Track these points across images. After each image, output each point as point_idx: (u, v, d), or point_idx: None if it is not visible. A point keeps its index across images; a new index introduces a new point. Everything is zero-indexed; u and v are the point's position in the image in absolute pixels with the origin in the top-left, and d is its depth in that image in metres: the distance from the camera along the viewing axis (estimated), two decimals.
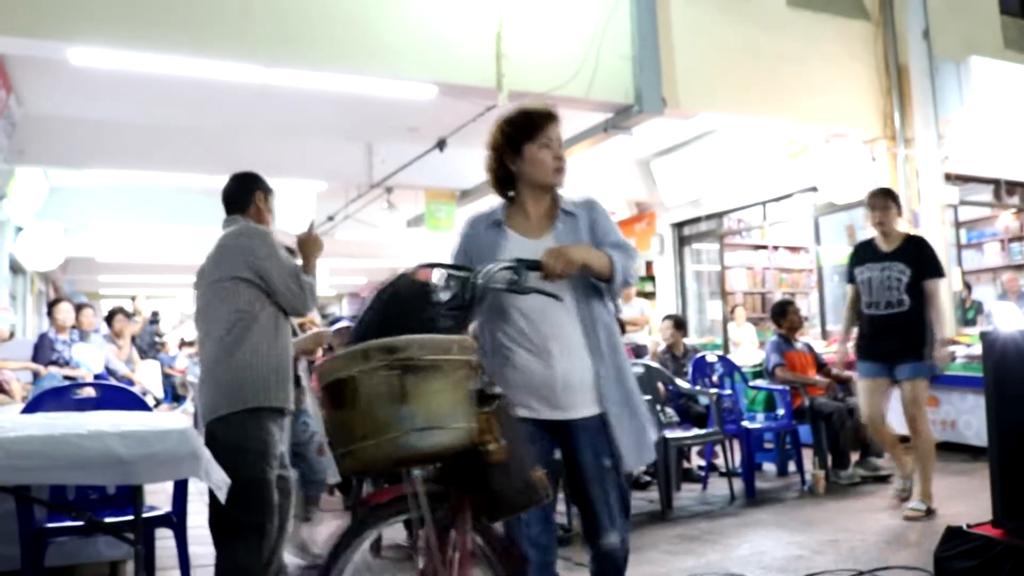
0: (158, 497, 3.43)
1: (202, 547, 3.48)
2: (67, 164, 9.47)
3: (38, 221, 10.87)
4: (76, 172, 10.51)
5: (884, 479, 5.70)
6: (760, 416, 6.31)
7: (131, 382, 8.42)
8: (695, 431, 5.64)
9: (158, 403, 9.32)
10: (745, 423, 5.85)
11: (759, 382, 6.68)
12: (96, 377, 7.41)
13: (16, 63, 6.66)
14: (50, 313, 7.90)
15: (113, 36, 5.36)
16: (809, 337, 7.86)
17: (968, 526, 3.16)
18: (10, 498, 2.92)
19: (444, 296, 2.10)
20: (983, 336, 3.38)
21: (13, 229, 10.76)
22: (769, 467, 6.44)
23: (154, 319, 13.32)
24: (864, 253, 4.96)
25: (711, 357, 6.50)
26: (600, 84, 6.61)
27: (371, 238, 13.32)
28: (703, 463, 6.18)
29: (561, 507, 4.69)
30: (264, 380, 3.10)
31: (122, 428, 2.28)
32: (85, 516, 2.85)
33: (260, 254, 3.17)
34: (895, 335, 4.70)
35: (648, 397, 5.30)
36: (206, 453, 2.41)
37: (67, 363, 7.47)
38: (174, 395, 12.57)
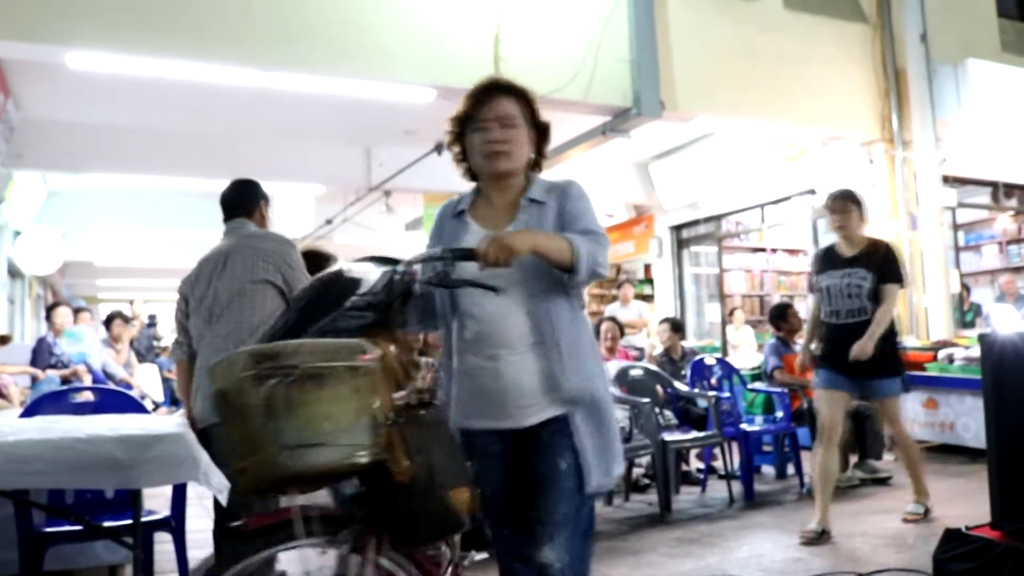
0: (157, 501, 3.43)
1: (201, 551, 3.48)
2: (65, 168, 9.48)
3: (36, 225, 10.87)
4: (74, 176, 10.51)
5: (883, 481, 5.70)
6: (759, 419, 6.31)
7: (129, 386, 8.41)
8: (694, 434, 5.64)
9: (156, 407, 9.30)
10: (744, 426, 5.85)
11: (758, 385, 6.68)
12: (94, 381, 7.41)
13: (14, 67, 6.67)
14: (48, 317, 7.90)
15: (111, 40, 5.36)
16: None
17: (967, 528, 3.16)
18: (9, 502, 2.91)
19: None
20: (981, 338, 3.38)
21: (11, 233, 10.76)
22: (768, 470, 6.43)
23: (151, 323, 13.30)
24: (825, 260, 4.67)
25: (709, 360, 6.50)
26: (598, 87, 6.62)
27: (369, 241, 13.32)
28: (702, 466, 6.17)
29: None
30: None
31: (120, 432, 2.27)
32: (84, 520, 2.85)
33: (292, 264, 3.20)
34: (854, 344, 4.36)
35: (647, 400, 5.34)
36: (205, 457, 2.40)
37: (65, 366, 7.46)
38: (172, 399, 12.55)
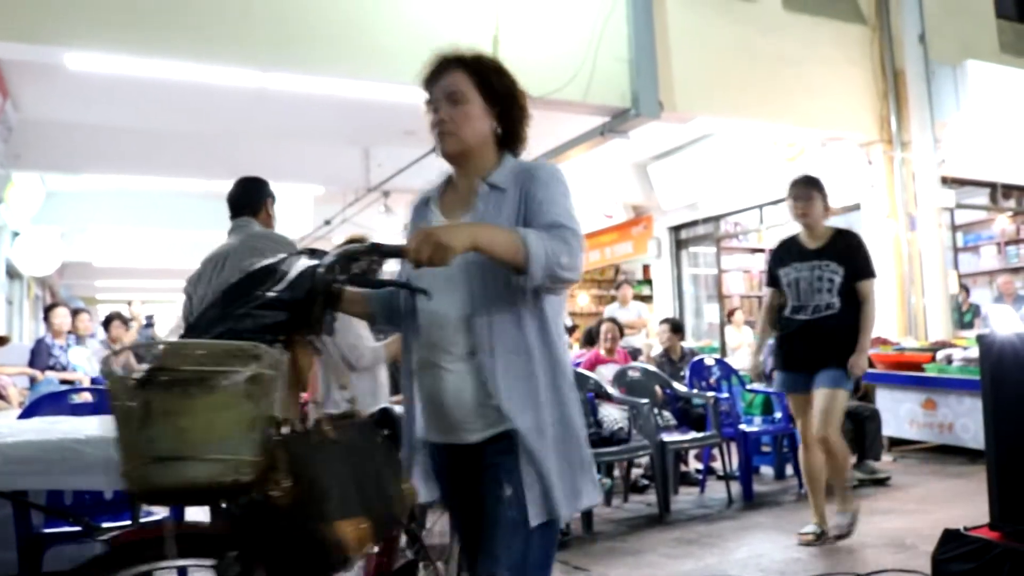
0: None
1: None
2: (64, 169, 9.47)
3: (35, 226, 10.86)
4: (73, 177, 10.51)
5: (882, 482, 5.70)
6: (757, 419, 6.30)
7: None
8: (693, 434, 5.64)
9: None
10: (743, 426, 5.85)
11: (756, 385, 6.68)
12: (93, 381, 7.40)
13: (12, 68, 6.66)
14: (47, 318, 7.89)
15: (109, 41, 5.36)
16: None
17: (965, 529, 3.16)
18: (7, 503, 2.91)
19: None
20: (980, 339, 3.38)
21: (10, 234, 10.75)
22: (767, 470, 6.43)
23: (149, 323, 13.28)
24: (788, 252, 4.33)
25: (708, 360, 6.50)
26: (597, 88, 6.62)
27: None
28: (701, 466, 6.17)
29: None
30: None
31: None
32: (82, 521, 2.85)
33: None
34: (821, 342, 4.09)
35: (646, 400, 5.34)
36: None
37: (64, 368, 7.46)
38: None
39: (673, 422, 5.81)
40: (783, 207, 9.71)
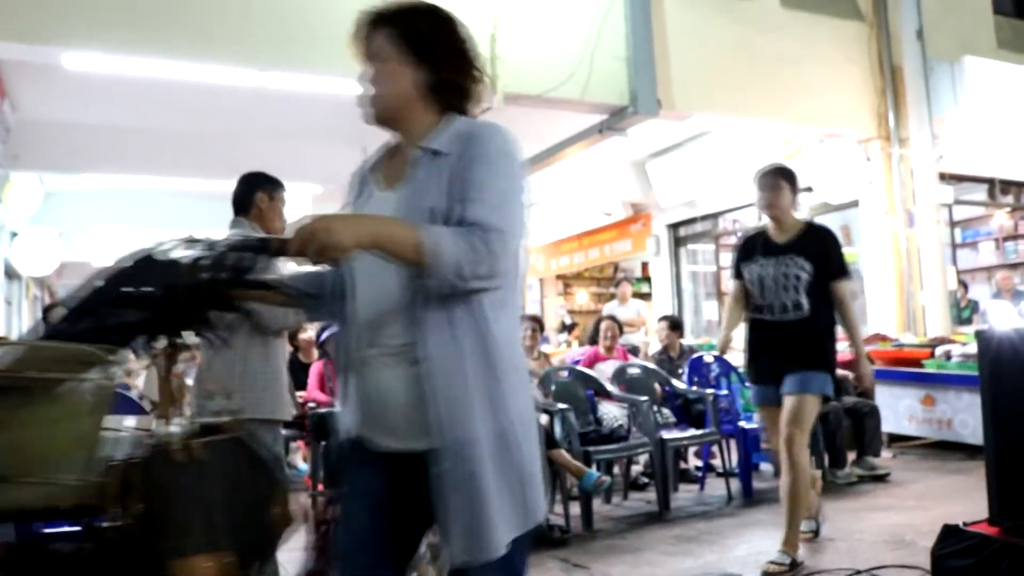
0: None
1: None
2: (62, 169, 9.46)
3: (33, 226, 10.85)
4: (71, 177, 10.49)
5: (881, 478, 5.71)
6: (757, 416, 6.31)
7: (127, 386, 8.40)
8: (692, 432, 5.65)
9: (155, 407, 9.29)
10: (742, 423, 5.85)
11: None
12: None
13: (10, 68, 6.66)
14: (45, 319, 7.88)
15: (107, 41, 5.36)
16: None
17: (965, 524, 3.16)
18: None
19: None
20: (978, 335, 3.38)
21: (8, 234, 10.74)
22: (766, 467, 6.43)
23: None
24: (754, 246, 3.98)
25: (708, 358, 6.50)
26: (595, 86, 6.62)
27: None
28: (700, 464, 6.18)
29: (559, 508, 4.71)
30: (257, 391, 3.08)
31: (119, 432, 2.27)
32: (82, 522, 2.84)
33: None
34: (787, 345, 3.77)
35: (645, 398, 5.35)
36: None
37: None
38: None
39: (672, 419, 5.82)
40: None
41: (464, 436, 1.50)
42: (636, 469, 6.06)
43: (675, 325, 7.06)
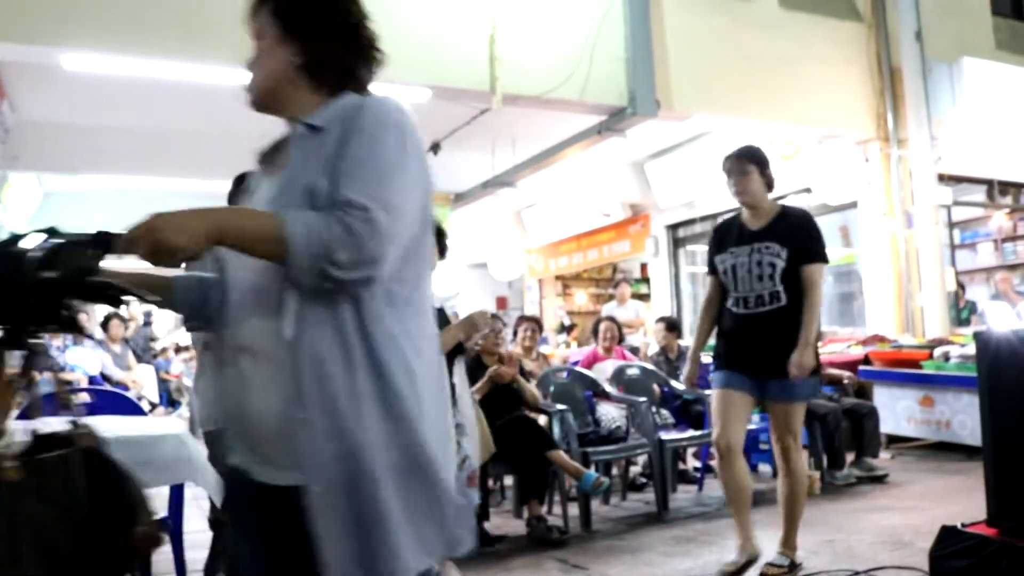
0: (154, 502, 3.42)
1: (198, 552, 3.47)
2: (61, 169, 9.47)
3: (32, 227, 10.86)
4: (70, 177, 10.49)
5: (879, 479, 5.71)
6: (755, 417, 6.30)
7: (126, 387, 8.40)
8: (690, 432, 5.64)
9: (154, 408, 9.29)
10: None
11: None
12: (91, 382, 7.40)
13: (9, 69, 6.65)
14: None
15: (106, 41, 5.36)
16: None
17: (963, 525, 3.17)
18: None
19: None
20: (977, 336, 3.39)
21: (7, 235, 10.75)
22: (765, 468, 6.43)
23: (147, 321, 13.30)
24: (726, 235, 3.71)
25: (706, 358, 6.49)
26: (594, 86, 6.63)
27: None
28: (699, 464, 6.18)
29: (557, 508, 4.71)
30: None
31: (118, 433, 2.27)
32: None
33: None
34: (766, 340, 3.52)
35: (643, 399, 5.35)
36: (201, 458, 2.41)
37: (62, 369, 7.46)
38: (170, 400, 12.56)
39: (671, 420, 5.82)
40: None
41: (352, 464, 1.27)
42: (634, 470, 6.06)
43: (672, 326, 7.06)
